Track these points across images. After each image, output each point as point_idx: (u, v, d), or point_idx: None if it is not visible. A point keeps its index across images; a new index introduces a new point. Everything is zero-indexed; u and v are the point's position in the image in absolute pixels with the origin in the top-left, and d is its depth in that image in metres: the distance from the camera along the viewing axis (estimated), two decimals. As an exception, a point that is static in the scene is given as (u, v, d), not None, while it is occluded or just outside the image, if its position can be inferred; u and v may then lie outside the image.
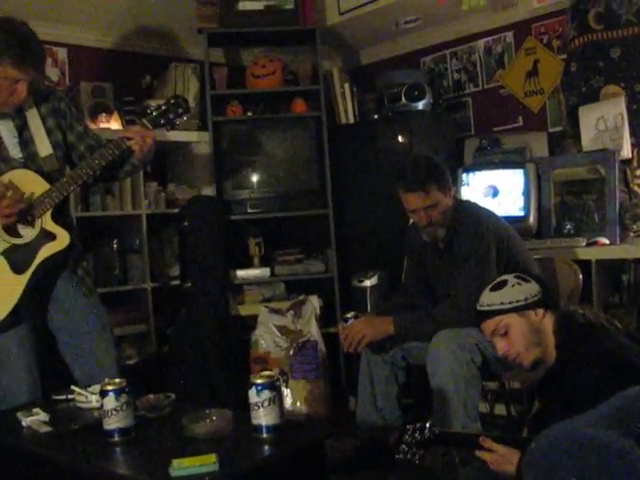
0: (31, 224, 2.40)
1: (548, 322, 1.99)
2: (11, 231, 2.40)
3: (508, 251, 2.80)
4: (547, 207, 3.63)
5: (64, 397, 2.37)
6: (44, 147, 2.48)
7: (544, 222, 3.64)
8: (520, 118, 4.07)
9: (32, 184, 2.40)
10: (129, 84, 4.15)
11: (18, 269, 2.40)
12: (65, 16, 3.84)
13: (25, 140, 2.47)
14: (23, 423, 2.11)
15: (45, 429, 2.06)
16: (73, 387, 2.36)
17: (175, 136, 3.79)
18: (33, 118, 2.48)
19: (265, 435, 1.85)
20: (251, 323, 3.86)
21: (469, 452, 1.87)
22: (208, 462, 1.67)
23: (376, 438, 2.91)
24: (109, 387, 1.92)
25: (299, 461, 1.88)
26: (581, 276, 3.01)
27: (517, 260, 2.82)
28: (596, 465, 1.05)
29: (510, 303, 1.99)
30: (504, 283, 2.04)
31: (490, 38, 4.19)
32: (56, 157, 2.50)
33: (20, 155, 2.46)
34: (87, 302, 2.61)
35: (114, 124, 3.81)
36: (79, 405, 2.29)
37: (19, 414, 2.16)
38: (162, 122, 2.54)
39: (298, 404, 3.57)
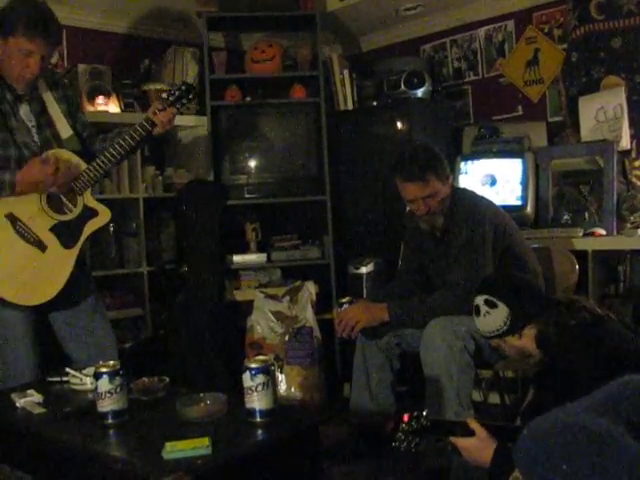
0: (73, 201, 2.53)
1: (527, 337, 2.04)
2: (56, 208, 2.52)
3: (504, 239, 2.80)
4: (545, 197, 3.64)
5: (58, 379, 2.37)
6: (64, 129, 2.59)
7: (541, 212, 3.64)
8: (519, 107, 4.07)
9: (69, 163, 2.51)
10: (127, 67, 4.13)
11: (67, 244, 2.52)
12: (64, -2, 3.81)
13: (42, 124, 2.56)
14: (17, 404, 2.11)
15: (39, 410, 2.07)
16: (68, 369, 2.36)
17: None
18: (50, 101, 2.59)
19: (258, 419, 1.85)
20: (247, 308, 3.86)
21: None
22: (201, 445, 1.67)
23: (370, 425, 2.92)
24: (103, 369, 1.92)
25: (292, 446, 1.88)
26: (577, 266, 3.01)
27: (513, 249, 2.82)
28: (587, 452, 1.05)
29: (490, 333, 2.12)
30: (478, 309, 2.13)
31: (491, 26, 4.17)
32: (76, 138, 2.62)
33: (36, 138, 2.54)
34: (88, 284, 2.73)
35: (112, 107, 3.80)
36: (73, 387, 2.30)
37: (13, 395, 2.16)
38: (177, 106, 2.64)
39: (292, 390, 3.58)
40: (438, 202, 2.78)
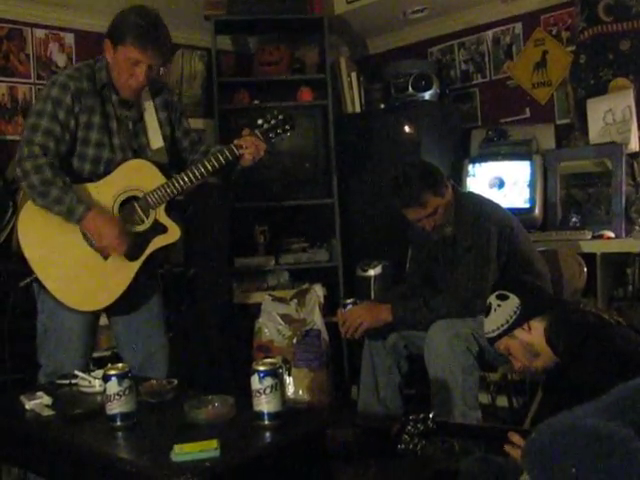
0: (145, 213, 2.49)
1: (537, 331, 2.03)
2: (127, 218, 2.48)
3: (510, 243, 2.79)
4: (553, 199, 3.63)
5: (67, 381, 2.38)
6: (156, 139, 2.57)
7: (550, 214, 3.63)
8: (527, 110, 4.06)
9: (148, 175, 2.50)
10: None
11: (131, 256, 2.48)
12: (72, 1, 3.83)
13: (138, 131, 2.55)
14: (26, 406, 2.11)
15: (48, 413, 2.07)
16: (76, 372, 2.37)
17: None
18: (149, 110, 2.58)
19: (267, 422, 1.85)
20: (255, 311, 3.86)
21: (472, 442, 1.86)
22: (209, 447, 1.67)
23: (377, 427, 2.92)
24: (112, 372, 1.92)
25: (300, 448, 1.88)
26: (586, 269, 3.00)
27: (520, 252, 2.82)
28: (596, 455, 1.05)
29: (498, 329, 2.07)
30: (489, 308, 2.11)
31: (499, 29, 4.17)
32: (166, 150, 2.59)
33: (128, 143, 2.54)
34: (153, 291, 2.71)
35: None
36: (82, 389, 2.30)
37: (22, 397, 2.16)
38: (271, 135, 2.64)
39: (300, 392, 3.58)
40: (442, 215, 2.80)
